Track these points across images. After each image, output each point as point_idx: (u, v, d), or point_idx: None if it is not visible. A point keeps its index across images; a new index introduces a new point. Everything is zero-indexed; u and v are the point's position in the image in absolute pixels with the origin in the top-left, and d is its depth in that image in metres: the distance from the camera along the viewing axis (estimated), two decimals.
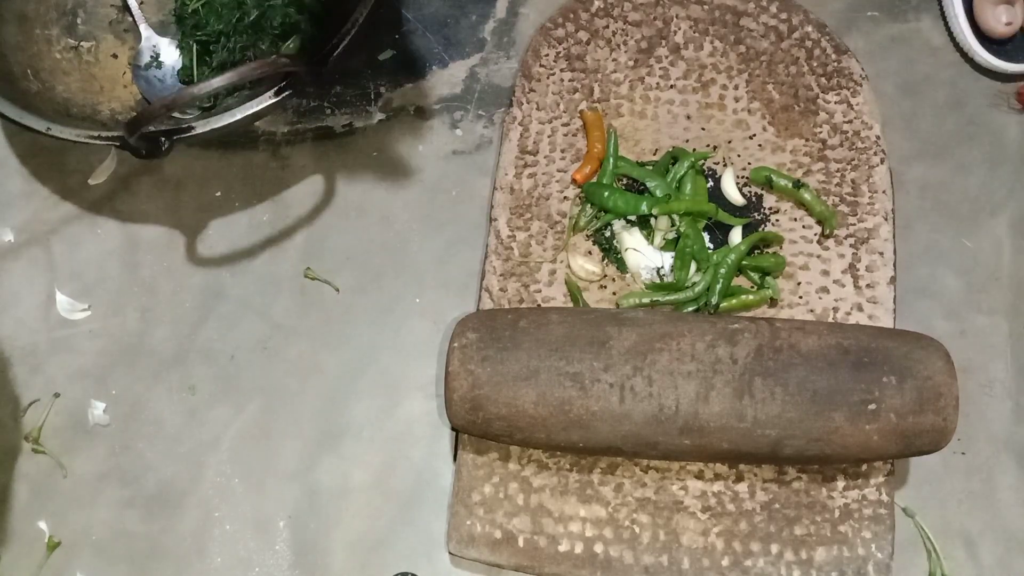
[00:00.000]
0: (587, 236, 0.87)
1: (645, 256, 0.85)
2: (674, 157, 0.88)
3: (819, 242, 0.85)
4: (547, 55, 0.92)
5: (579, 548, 0.77)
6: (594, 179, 0.88)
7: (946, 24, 0.94)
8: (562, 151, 0.89)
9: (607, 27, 0.93)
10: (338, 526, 0.82)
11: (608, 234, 0.87)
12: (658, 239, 0.86)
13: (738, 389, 0.72)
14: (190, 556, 0.82)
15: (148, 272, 0.90)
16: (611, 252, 0.86)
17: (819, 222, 0.86)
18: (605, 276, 0.86)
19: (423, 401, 0.86)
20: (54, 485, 0.84)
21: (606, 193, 0.85)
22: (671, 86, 0.91)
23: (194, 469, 0.84)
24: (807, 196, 0.85)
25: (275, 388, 0.87)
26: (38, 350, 0.88)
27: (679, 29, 0.92)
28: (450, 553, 0.79)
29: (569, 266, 0.86)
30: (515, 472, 0.79)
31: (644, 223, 0.86)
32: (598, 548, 0.77)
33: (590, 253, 0.86)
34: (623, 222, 0.87)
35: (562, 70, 0.92)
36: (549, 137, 0.90)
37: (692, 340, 0.74)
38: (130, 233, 0.92)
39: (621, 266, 0.86)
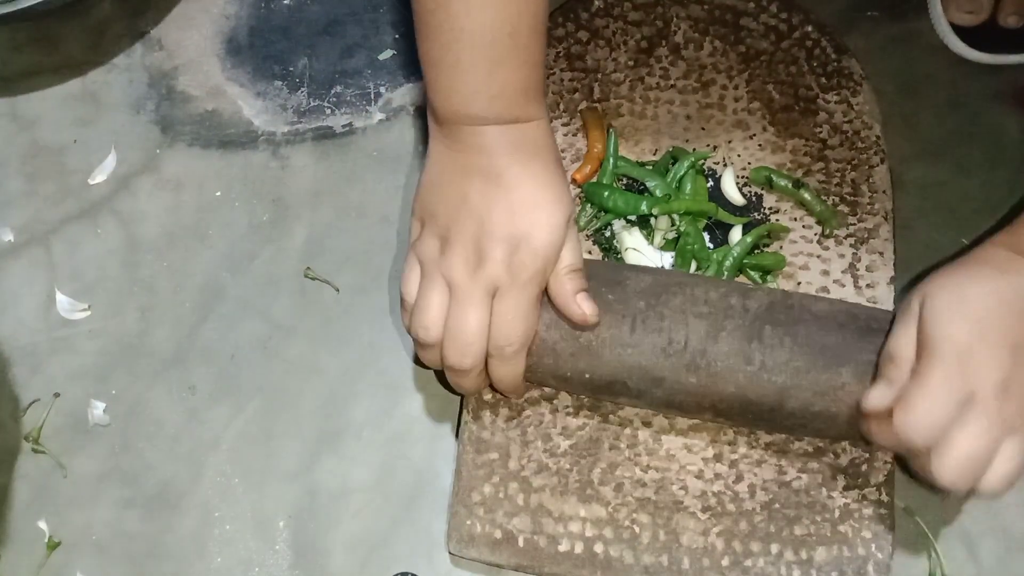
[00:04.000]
0: (587, 236, 0.87)
1: (645, 256, 0.85)
2: (674, 157, 0.88)
3: (819, 242, 0.85)
4: (547, 55, 0.92)
5: (579, 548, 0.77)
6: (594, 179, 0.88)
7: (929, 16, 0.96)
8: (562, 151, 0.89)
9: (607, 27, 0.93)
10: (338, 526, 0.82)
11: (608, 234, 0.87)
12: (658, 239, 0.86)
13: (748, 333, 0.72)
14: (190, 556, 0.82)
15: (148, 272, 0.90)
16: (611, 252, 0.86)
17: (819, 222, 0.86)
18: None
19: (423, 401, 0.86)
20: (54, 485, 0.84)
21: (606, 193, 0.85)
22: (671, 86, 0.91)
23: (194, 469, 0.84)
24: (807, 196, 0.85)
25: (275, 388, 0.86)
26: (38, 350, 0.88)
27: (679, 29, 0.92)
28: (450, 553, 0.79)
29: None
30: (515, 472, 0.79)
31: (644, 223, 0.86)
32: (598, 548, 0.77)
33: (590, 253, 0.86)
34: (623, 222, 0.87)
35: (562, 70, 0.92)
36: None
37: (706, 289, 0.75)
38: (130, 233, 0.92)
39: None
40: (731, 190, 0.88)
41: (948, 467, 0.64)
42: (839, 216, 0.85)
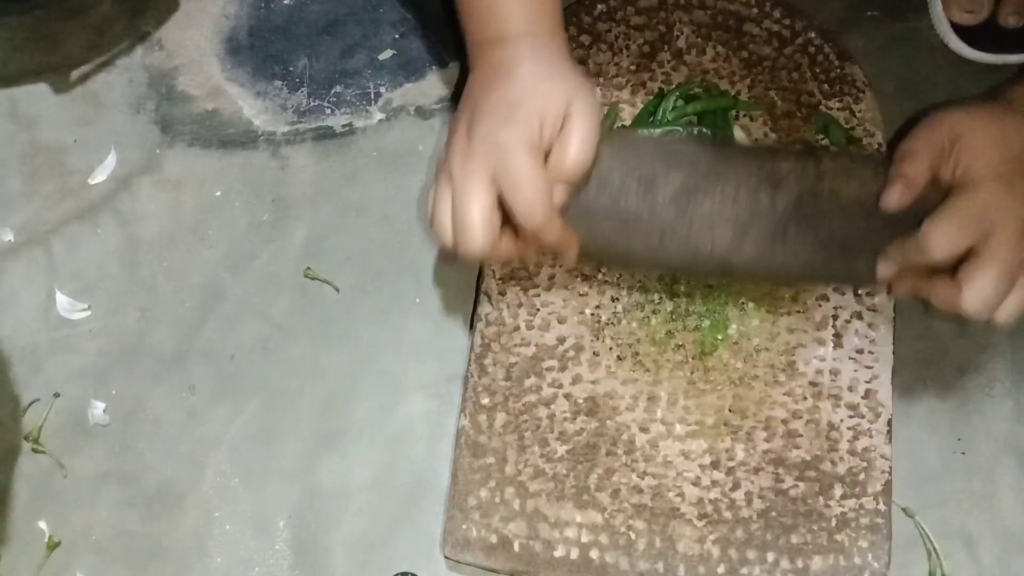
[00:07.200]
0: None
1: None
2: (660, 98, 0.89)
3: None
4: None
5: (575, 554, 0.77)
6: None
7: (929, 15, 0.96)
8: None
9: (609, 31, 0.92)
10: (338, 526, 0.83)
11: None
12: None
13: (773, 234, 0.72)
14: (190, 556, 0.82)
15: (148, 272, 0.90)
16: None
17: None
18: None
19: (423, 401, 0.86)
20: (54, 485, 0.85)
21: None
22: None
23: (194, 469, 0.85)
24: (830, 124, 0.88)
25: (275, 388, 0.87)
26: (38, 350, 0.88)
27: (682, 34, 0.92)
28: (445, 557, 0.80)
29: None
30: (511, 476, 0.80)
31: None
32: (594, 554, 0.77)
33: None
34: None
35: None
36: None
37: (737, 186, 0.72)
38: (130, 233, 0.92)
39: None
40: (740, 135, 0.89)
41: (972, 298, 0.67)
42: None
